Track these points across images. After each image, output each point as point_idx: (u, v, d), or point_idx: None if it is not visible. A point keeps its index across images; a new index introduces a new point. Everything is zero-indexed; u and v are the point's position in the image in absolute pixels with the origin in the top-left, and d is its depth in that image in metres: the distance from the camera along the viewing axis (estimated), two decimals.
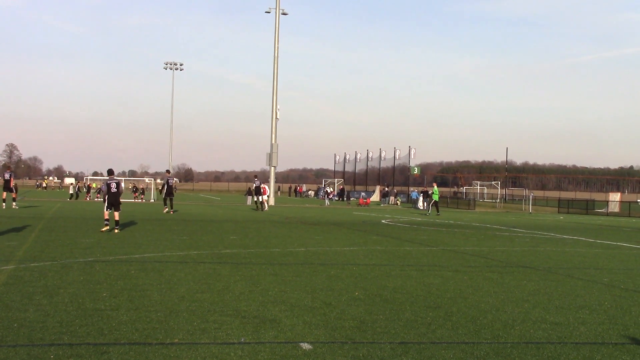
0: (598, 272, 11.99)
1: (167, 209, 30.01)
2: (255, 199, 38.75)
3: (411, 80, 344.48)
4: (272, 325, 6.57)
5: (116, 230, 17.56)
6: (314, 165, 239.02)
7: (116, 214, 17.95)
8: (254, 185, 40.52)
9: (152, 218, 25.70)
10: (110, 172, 18.91)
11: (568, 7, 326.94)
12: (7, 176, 29.03)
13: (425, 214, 38.23)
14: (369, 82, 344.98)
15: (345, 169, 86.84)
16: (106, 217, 17.98)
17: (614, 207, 54.68)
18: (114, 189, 18.22)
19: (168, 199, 30.53)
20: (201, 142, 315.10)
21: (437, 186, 40.47)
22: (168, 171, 34.12)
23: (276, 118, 51.56)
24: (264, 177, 64.29)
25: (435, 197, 38.82)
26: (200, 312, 7.08)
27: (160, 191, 32.86)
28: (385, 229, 22.86)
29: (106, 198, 18.19)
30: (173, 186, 32.43)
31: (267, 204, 39.24)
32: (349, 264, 11.99)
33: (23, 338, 5.79)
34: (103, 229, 17.49)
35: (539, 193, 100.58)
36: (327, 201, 56.83)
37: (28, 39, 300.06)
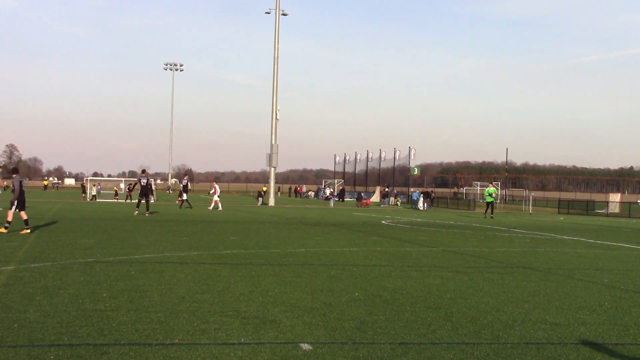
0: (598, 272, 11.99)
1: (137, 212, 28.64)
2: (184, 198, 38.71)
3: (411, 80, 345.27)
4: (272, 326, 6.57)
5: (27, 231, 16.64)
6: (314, 165, 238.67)
7: (23, 213, 17.02)
8: (182, 184, 40.90)
9: (152, 219, 25.70)
10: (15, 171, 17.68)
11: (568, 8, 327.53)
12: None
13: (490, 217, 36.54)
14: (369, 83, 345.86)
15: (346, 170, 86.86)
16: (10, 218, 16.91)
17: (614, 208, 54.66)
18: (23, 188, 17.30)
19: (142, 200, 28.82)
20: (201, 143, 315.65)
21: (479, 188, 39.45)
22: (144, 171, 32.02)
23: (276, 118, 51.55)
24: (264, 177, 64.39)
25: (491, 199, 37.73)
26: (200, 313, 7.08)
27: (129, 190, 31.10)
28: (386, 230, 22.85)
29: (17, 198, 17.05)
30: (157, 187, 31.86)
31: (219, 204, 38.90)
32: (349, 264, 11.99)
33: (23, 338, 5.79)
34: (3, 230, 16.44)
35: (539, 194, 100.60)
36: (332, 202, 56.56)
37: (28, 39, 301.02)
